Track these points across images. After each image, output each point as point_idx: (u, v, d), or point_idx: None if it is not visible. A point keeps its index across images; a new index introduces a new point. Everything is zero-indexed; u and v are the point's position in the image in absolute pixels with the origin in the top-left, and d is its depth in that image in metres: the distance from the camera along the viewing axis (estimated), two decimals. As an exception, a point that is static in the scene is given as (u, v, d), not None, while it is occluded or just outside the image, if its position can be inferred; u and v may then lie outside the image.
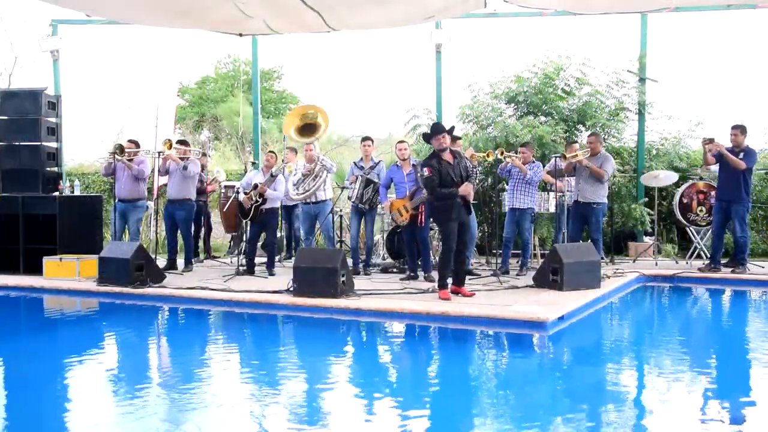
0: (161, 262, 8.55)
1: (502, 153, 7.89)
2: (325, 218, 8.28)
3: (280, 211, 8.94)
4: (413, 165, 7.67)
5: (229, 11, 7.47)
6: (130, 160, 8.46)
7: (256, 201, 7.98)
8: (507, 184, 8.38)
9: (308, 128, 8.20)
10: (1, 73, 20.01)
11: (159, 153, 8.48)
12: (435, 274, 7.65)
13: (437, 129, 6.55)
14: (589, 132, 9.65)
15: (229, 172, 12.87)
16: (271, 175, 8.08)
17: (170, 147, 8.23)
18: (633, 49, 10.51)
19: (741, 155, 7.87)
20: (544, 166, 9.08)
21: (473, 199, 8.18)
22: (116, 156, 8.31)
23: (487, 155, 8.15)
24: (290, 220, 9.53)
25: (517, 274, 7.96)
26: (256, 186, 8.01)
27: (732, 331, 6.17)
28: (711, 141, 7.95)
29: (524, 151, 8.12)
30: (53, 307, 7.28)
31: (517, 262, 8.37)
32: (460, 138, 8.45)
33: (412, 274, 7.66)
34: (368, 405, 3.80)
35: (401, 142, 8.11)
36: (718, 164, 8.11)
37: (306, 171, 8.20)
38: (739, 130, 8.00)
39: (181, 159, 8.42)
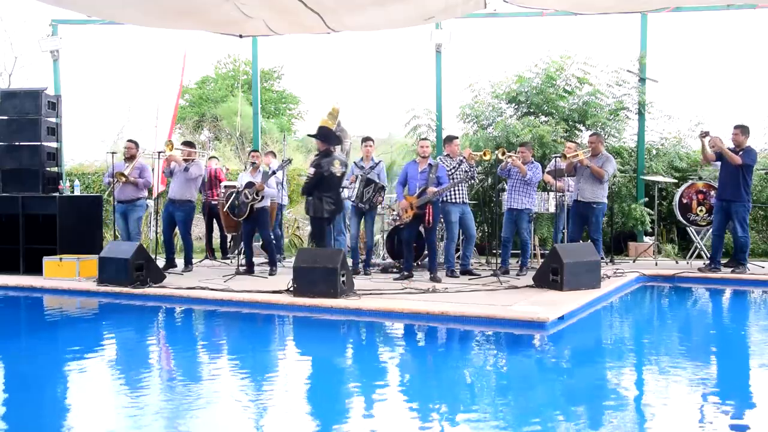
0: (161, 262, 8.56)
1: (503, 153, 7.88)
2: (338, 223, 8.25)
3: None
4: (429, 164, 7.67)
5: (230, 12, 7.47)
6: (131, 161, 8.51)
7: (254, 199, 7.99)
8: (506, 184, 8.38)
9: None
10: (1, 73, 20.04)
11: (159, 153, 8.50)
12: (440, 274, 7.69)
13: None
14: (590, 132, 9.65)
15: (229, 173, 12.87)
16: (266, 174, 8.09)
17: (171, 148, 8.27)
18: (633, 49, 10.52)
19: (741, 154, 7.87)
20: (545, 167, 9.11)
21: (472, 199, 8.29)
22: (120, 180, 8.39)
23: (484, 154, 8.15)
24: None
25: (517, 275, 7.96)
26: (252, 184, 7.99)
27: (732, 332, 6.16)
28: (707, 134, 7.95)
29: (523, 151, 8.12)
30: (53, 307, 7.28)
31: (517, 262, 8.37)
32: (457, 137, 8.46)
33: (407, 273, 7.67)
34: (368, 405, 3.80)
35: (424, 139, 8.15)
36: (719, 163, 8.10)
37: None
38: (740, 130, 7.99)
39: (185, 161, 8.45)
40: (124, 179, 8.39)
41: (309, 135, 7.77)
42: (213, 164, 10.38)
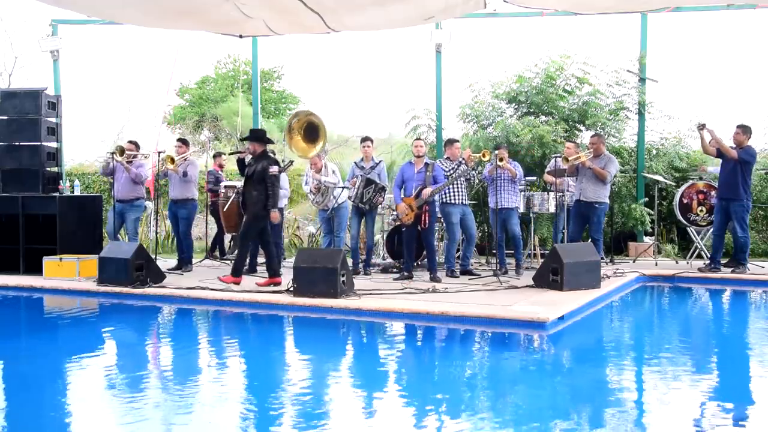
0: (161, 262, 8.56)
1: (501, 159, 7.85)
2: (338, 221, 8.26)
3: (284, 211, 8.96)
4: (426, 163, 7.67)
5: (230, 12, 7.47)
6: (130, 162, 8.48)
7: None
8: (489, 187, 8.37)
9: (311, 130, 8.17)
10: (1, 73, 20.05)
11: (159, 153, 8.51)
12: (440, 274, 7.69)
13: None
14: (590, 132, 9.65)
15: (229, 172, 12.87)
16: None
17: (172, 162, 8.30)
18: (633, 49, 10.52)
19: (739, 151, 7.86)
20: (545, 167, 9.13)
21: (471, 199, 8.28)
22: (115, 157, 8.32)
23: (483, 155, 8.14)
24: None
25: (516, 273, 8.00)
26: None
27: (732, 332, 6.17)
28: (704, 126, 7.94)
29: (502, 151, 8.08)
30: (53, 307, 7.29)
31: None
32: (458, 141, 8.46)
33: (406, 273, 7.67)
34: (368, 405, 3.80)
35: (417, 139, 8.16)
36: (720, 161, 8.10)
37: (314, 188, 8.23)
38: (742, 129, 7.98)
39: (181, 159, 8.47)
40: (121, 158, 8.31)
41: (241, 139, 7.87)
42: (219, 161, 10.36)
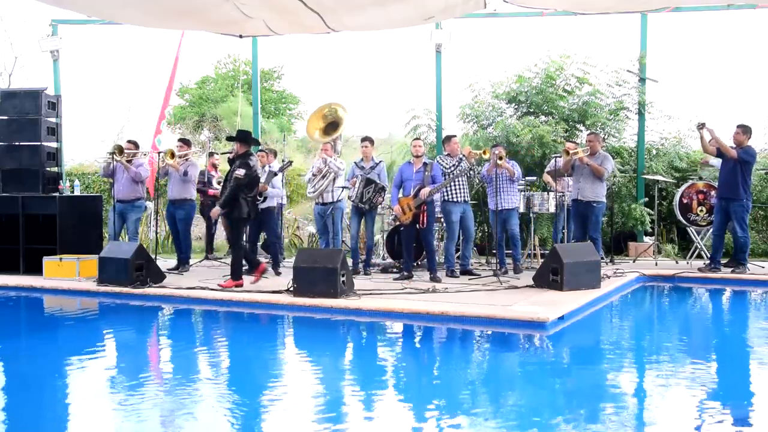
0: (161, 262, 8.56)
1: (500, 158, 7.84)
2: (334, 219, 8.21)
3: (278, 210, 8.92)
4: (424, 163, 7.67)
5: (230, 12, 7.47)
6: (129, 161, 8.47)
7: (256, 200, 7.97)
8: (488, 188, 8.37)
9: (332, 126, 8.45)
10: (1, 73, 20.05)
11: (159, 153, 8.50)
12: (440, 274, 7.70)
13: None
14: (588, 132, 9.66)
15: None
16: (273, 174, 8.10)
17: (172, 156, 8.28)
18: (633, 49, 10.52)
19: (738, 151, 7.86)
20: (545, 167, 9.12)
21: (472, 199, 8.25)
22: (114, 157, 8.32)
23: (484, 152, 8.13)
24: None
25: (514, 272, 8.04)
26: None
27: (732, 332, 6.17)
28: (703, 125, 7.93)
29: (501, 150, 8.08)
30: (53, 307, 7.29)
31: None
32: (455, 136, 8.46)
33: (406, 273, 7.67)
34: (367, 405, 3.80)
35: (416, 139, 8.17)
36: (720, 161, 8.10)
37: (316, 171, 8.21)
38: (742, 129, 7.98)
39: (182, 159, 8.46)
40: (121, 157, 8.29)
41: (228, 138, 7.96)
42: (213, 161, 10.34)
